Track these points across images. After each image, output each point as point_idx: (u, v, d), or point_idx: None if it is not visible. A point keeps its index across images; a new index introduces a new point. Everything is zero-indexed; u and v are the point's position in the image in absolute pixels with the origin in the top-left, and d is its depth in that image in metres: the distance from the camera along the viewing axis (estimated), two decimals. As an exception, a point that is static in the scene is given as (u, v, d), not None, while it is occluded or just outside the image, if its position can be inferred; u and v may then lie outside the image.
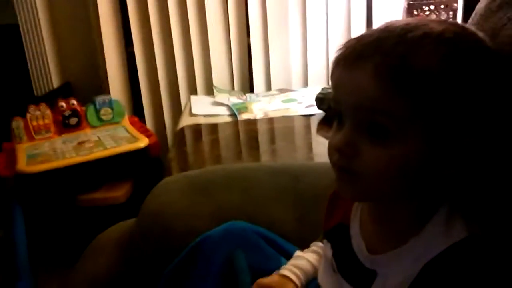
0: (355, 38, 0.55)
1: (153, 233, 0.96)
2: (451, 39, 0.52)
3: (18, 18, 2.09)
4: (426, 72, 0.50)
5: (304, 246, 0.85)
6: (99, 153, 1.78)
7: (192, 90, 2.15)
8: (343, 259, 0.68)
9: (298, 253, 0.82)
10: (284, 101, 1.90)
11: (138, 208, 1.09)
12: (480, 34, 0.55)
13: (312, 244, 0.84)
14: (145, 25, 2.08)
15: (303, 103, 1.84)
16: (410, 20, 0.55)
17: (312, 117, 1.71)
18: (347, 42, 0.56)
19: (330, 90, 1.60)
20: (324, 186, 0.96)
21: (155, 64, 2.11)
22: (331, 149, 0.58)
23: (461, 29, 0.55)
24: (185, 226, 0.94)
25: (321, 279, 0.74)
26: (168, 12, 2.04)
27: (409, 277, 0.57)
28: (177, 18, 2.06)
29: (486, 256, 0.53)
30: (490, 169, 0.59)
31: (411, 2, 1.65)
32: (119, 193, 1.83)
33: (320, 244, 0.83)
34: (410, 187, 0.56)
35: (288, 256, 0.83)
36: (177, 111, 2.16)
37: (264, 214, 0.95)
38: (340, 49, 0.56)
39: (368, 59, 0.52)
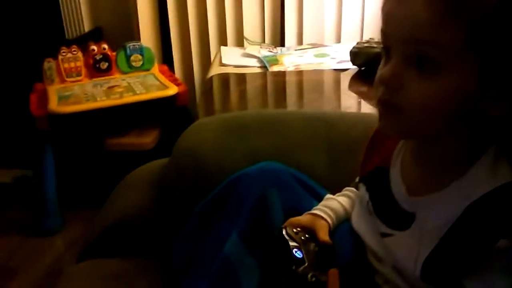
0: None
1: (186, 170, 0.98)
2: None
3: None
4: (482, 1, 0.48)
5: (335, 191, 0.85)
6: (128, 98, 1.79)
7: (223, 41, 2.13)
8: (380, 202, 0.68)
9: (329, 196, 0.83)
10: (316, 56, 1.87)
11: (164, 155, 1.10)
12: None
13: (344, 189, 0.84)
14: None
15: (336, 58, 1.81)
16: None
17: (343, 72, 1.68)
18: None
19: (365, 45, 1.57)
20: (357, 135, 0.96)
21: (187, 13, 2.08)
22: (377, 83, 0.57)
23: None
24: (218, 165, 0.95)
25: (356, 221, 0.74)
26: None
27: (450, 219, 0.57)
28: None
29: None
30: None
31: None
32: (147, 139, 1.85)
33: (353, 189, 0.83)
34: (455, 124, 0.55)
35: (320, 199, 0.84)
36: (206, 61, 2.14)
37: (297, 159, 0.95)
38: None
39: None
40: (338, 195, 0.83)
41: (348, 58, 1.64)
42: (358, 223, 0.74)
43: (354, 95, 1.52)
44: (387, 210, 0.67)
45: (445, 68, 0.51)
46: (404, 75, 0.53)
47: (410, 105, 0.54)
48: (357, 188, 0.79)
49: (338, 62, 1.75)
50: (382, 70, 0.56)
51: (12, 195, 2.09)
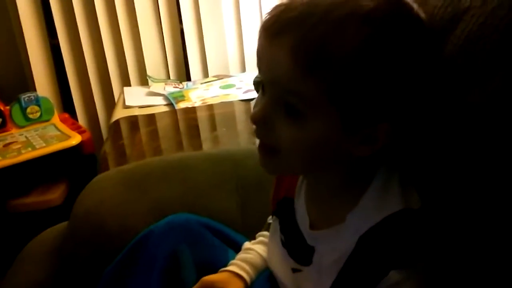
0: (283, 4, 0.52)
1: (86, 234, 0.90)
2: (379, 19, 0.49)
3: None
4: (343, 55, 0.48)
5: (249, 233, 0.82)
6: (28, 155, 1.66)
7: (125, 82, 2.06)
8: (289, 235, 0.67)
9: (246, 245, 0.80)
10: (222, 87, 1.85)
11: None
12: (415, 7, 0.53)
13: (258, 235, 0.82)
14: (69, 14, 1.95)
15: (242, 88, 1.80)
16: None
17: (251, 102, 1.67)
18: (275, 8, 0.52)
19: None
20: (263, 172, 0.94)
21: (83, 56, 1.99)
22: (251, 120, 0.56)
23: (396, 4, 0.52)
24: (121, 225, 0.88)
25: (270, 258, 0.72)
26: (94, 2, 1.92)
27: (345, 253, 0.56)
28: (103, 6, 1.95)
29: (418, 229, 0.53)
30: (416, 143, 0.58)
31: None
32: (54, 195, 1.72)
33: (266, 233, 0.80)
34: (329, 163, 0.56)
35: (236, 246, 0.80)
36: (110, 104, 2.05)
37: (206, 204, 0.91)
38: (267, 15, 0.53)
39: (288, 35, 0.49)
40: (254, 243, 0.80)
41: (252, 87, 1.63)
42: (273, 261, 0.72)
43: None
44: (294, 244, 0.65)
45: (309, 118, 0.51)
46: (274, 117, 0.53)
47: (281, 146, 0.54)
48: (268, 229, 0.77)
49: (244, 92, 1.74)
50: (255, 108, 0.56)
51: None
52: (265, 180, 0.83)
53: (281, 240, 0.68)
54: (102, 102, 2.07)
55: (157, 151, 1.51)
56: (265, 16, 0.54)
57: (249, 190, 0.93)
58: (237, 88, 1.80)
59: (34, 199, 1.70)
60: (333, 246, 0.58)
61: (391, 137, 0.53)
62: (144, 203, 0.91)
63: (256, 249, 0.78)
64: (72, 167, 1.79)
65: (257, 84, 1.59)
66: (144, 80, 2.05)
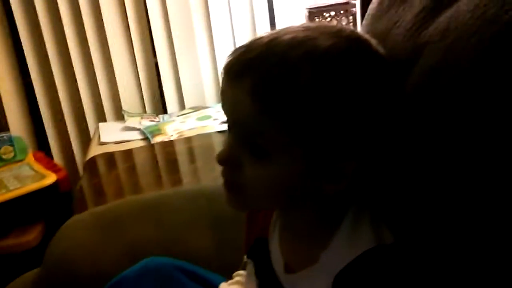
0: (244, 46, 0.53)
1: (59, 281, 0.87)
2: (334, 57, 0.49)
3: None
4: (299, 94, 0.48)
5: (226, 272, 0.80)
6: (1, 197, 1.62)
7: (101, 117, 2.04)
8: (264, 277, 0.65)
9: (223, 286, 0.78)
10: (199, 119, 1.84)
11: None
12: (373, 42, 0.53)
13: (235, 274, 0.80)
14: (41, 52, 1.94)
15: (218, 119, 1.80)
16: (301, 30, 0.52)
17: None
18: (236, 50, 0.53)
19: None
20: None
21: (57, 93, 1.97)
22: (217, 160, 0.56)
23: (354, 42, 0.52)
24: (94, 269, 0.86)
25: None
26: (65, 36, 1.92)
27: None
28: (75, 42, 1.95)
29: (394, 264, 0.52)
30: (383, 177, 0.58)
31: (312, 10, 1.67)
32: (30, 236, 1.67)
33: (243, 272, 0.79)
34: (297, 200, 0.56)
35: (213, 288, 0.78)
36: (86, 141, 2.03)
37: (182, 244, 0.90)
38: (229, 56, 0.53)
39: (247, 76, 0.50)
40: (231, 283, 0.78)
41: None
42: None
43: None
44: (270, 286, 0.63)
45: (272, 156, 0.51)
46: (240, 156, 0.53)
47: (247, 184, 0.54)
48: (245, 268, 0.75)
49: (221, 123, 1.74)
50: (220, 150, 0.56)
51: None
52: (241, 217, 0.82)
53: (257, 284, 0.66)
54: (77, 138, 2.05)
55: (136, 187, 1.49)
56: (227, 57, 0.54)
57: (225, 227, 0.91)
58: (213, 119, 1.80)
59: (10, 242, 1.65)
60: None
61: (358, 175, 0.52)
62: (118, 246, 0.89)
63: None
64: (48, 206, 1.75)
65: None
66: (119, 115, 2.03)
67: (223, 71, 0.54)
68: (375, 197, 0.57)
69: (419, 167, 0.53)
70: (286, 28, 0.54)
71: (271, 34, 0.52)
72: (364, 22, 0.69)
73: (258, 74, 0.49)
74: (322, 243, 0.56)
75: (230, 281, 0.78)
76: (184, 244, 0.89)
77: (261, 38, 0.53)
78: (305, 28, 0.53)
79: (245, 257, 0.77)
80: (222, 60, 1.96)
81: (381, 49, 0.53)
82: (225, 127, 1.72)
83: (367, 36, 0.54)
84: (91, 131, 2.01)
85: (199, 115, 1.88)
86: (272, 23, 1.95)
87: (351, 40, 0.52)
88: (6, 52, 1.94)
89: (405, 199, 0.56)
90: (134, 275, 0.77)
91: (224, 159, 0.54)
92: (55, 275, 0.88)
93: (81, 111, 2.01)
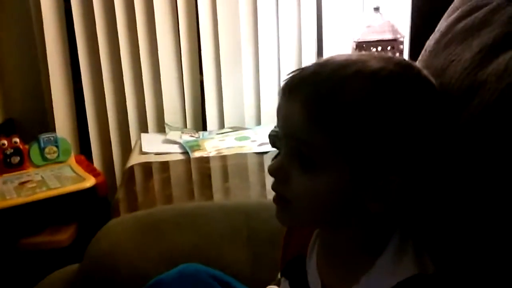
0: (299, 69, 0.57)
1: (98, 278, 0.91)
2: (384, 77, 0.52)
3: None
4: (347, 109, 0.51)
5: (259, 287, 0.82)
6: (41, 194, 1.68)
7: (143, 128, 2.10)
8: None
9: (254, 299, 0.79)
10: (238, 139, 1.88)
11: (82, 252, 1.03)
12: (425, 72, 0.56)
13: (267, 288, 0.81)
14: (95, 62, 2.03)
15: (256, 141, 1.83)
16: (353, 55, 0.58)
17: (265, 155, 1.70)
18: (291, 72, 0.57)
19: (283, 128, 1.60)
20: (277, 224, 0.94)
21: (104, 101, 2.05)
22: (268, 172, 0.59)
23: (404, 67, 0.55)
24: (133, 270, 0.89)
25: None
26: (119, 48, 2.00)
27: None
28: (128, 55, 2.03)
29: None
30: (428, 204, 0.59)
31: (359, 43, 1.70)
32: (64, 236, 1.73)
33: (275, 287, 0.80)
34: (344, 216, 0.57)
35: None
36: (126, 149, 2.09)
37: (217, 255, 0.92)
38: (285, 79, 0.57)
39: (301, 91, 0.54)
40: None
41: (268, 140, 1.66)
42: None
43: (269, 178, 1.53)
44: None
45: (321, 167, 0.54)
46: (289, 169, 0.56)
47: (295, 197, 0.56)
48: (279, 284, 0.77)
49: (258, 145, 1.77)
50: (272, 161, 0.59)
51: None
52: (277, 234, 0.84)
53: None
54: (118, 146, 2.11)
55: (169, 199, 1.53)
56: (284, 80, 0.58)
57: (261, 243, 0.94)
58: (251, 141, 1.84)
59: (44, 239, 1.71)
60: None
61: (402, 195, 0.54)
62: (157, 250, 0.92)
63: None
64: (83, 209, 1.80)
65: (272, 138, 1.62)
66: (161, 127, 2.09)
67: (280, 91, 0.58)
68: (418, 225, 0.59)
69: (466, 197, 0.55)
70: (336, 55, 0.58)
71: (326, 58, 0.57)
72: (420, 57, 0.72)
73: (310, 87, 0.53)
74: (363, 266, 0.57)
75: (261, 294, 0.80)
76: (220, 256, 0.91)
77: (314, 62, 0.57)
78: (358, 54, 0.58)
79: (279, 274, 0.79)
80: (265, 86, 2.03)
81: (430, 78, 0.56)
82: (263, 149, 1.75)
83: (417, 64, 0.57)
84: (132, 140, 2.08)
85: (238, 135, 1.92)
86: (319, 54, 1.99)
87: (402, 64, 0.56)
88: (62, 58, 2.03)
89: (450, 229, 0.57)
90: (171, 279, 0.79)
91: (275, 170, 0.57)
92: (94, 272, 0.91)
93: (125, 120, 2.08)
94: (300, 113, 0.53)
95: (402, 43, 1.70)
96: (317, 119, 0.52)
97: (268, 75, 2.07)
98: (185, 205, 1.22)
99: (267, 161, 1.65)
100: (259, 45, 2.05)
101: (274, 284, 0.80)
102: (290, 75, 0.57)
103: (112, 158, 2.11)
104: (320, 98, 0.52)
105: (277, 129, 1.67)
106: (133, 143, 2.06)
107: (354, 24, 1.80)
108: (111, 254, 0.92)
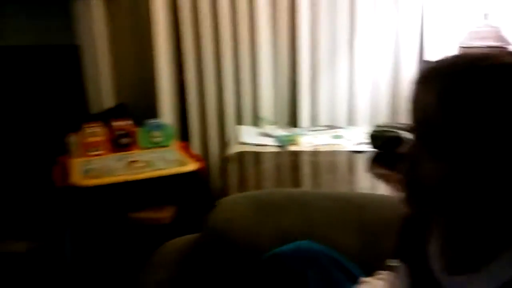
0: (436, 60, 0.60)
1: (217, 248, 0.99)
2: None
3: (79, 40, 2.20)
4: (483, 100, 0.53)
5: (369, 271, 0.86)
6: (148, 173, 1.82)
7: (239, 121, 2.21)
8: (419, 278, 0.70)
9: (364, 280, 0.84)
10: (333, 137, 1.93)
11: (179, 230, 1.15)
12: None
13: (376, 273, 0.85)
14: (198, 56, 2.16)
15: (351, 140, 1.87)
16: (488, 51, 0.59)
17: (360, 154, 1.73)
18: (426, 62, 0.61)
19: (384, 128, 1.63)
20: (387, 217, 0.99)
21: (205, 94, 2.18)
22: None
23: None
24: (249, 243, 0.97)
25: None
26: (221, 46, 2.12)
27: None
28: (229, 52, 2.14)
29: None
30: None
31: (465, 48, 1.69)
32: (164, 214, 1.86)
33: (385, 273, 0.84)
34: (469, 206, 0.58)
35: (355, 280, 0.84)
36: (221, 139, 2.21)
37: (327, 239, 0.97)
38: (421, 68, 0.62)
39: (436, 80, 0.57)
40: (373, 279, 0.84)
41: (363, 140, 1.70)
42: None
43: (368, 176, 1.56)
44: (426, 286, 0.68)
45: (450, 154, 0.55)
46: (420, 155, 0.58)
47: (422, 182, 0.58)
48: (390, 270, 0.80)
49: (355, 144, 1.81)
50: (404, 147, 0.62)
51: (27, 265, 2.08)
52: (387, 227, 0.88)
53: (408, 284, 0.71)
54: (214, 136, 2.23)
55: (268, 185, 1.60)
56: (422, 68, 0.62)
57: (372, 233, 0.98)
58: (347, 140, 1.88)
59: (148, 215, 1.85)
60: None
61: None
62: (270, 227, 1.00)
63: (374, 284, 0.81)
64: (184, 191, 1.93)
65: (374, 138, 1.65)
66: (255, 120, 2.18)
67: (415, 80, 0.61)
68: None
69: None
70: (471, 50, 0.61)
71: (460, 52, 0.60)
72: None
73: (447, 78, 0.56)
74: (487, 257, 0.59)
75: (371, 278, 0.84)
76: (330, 240, 0.96)
77: (453, 54, 0.60)
78: (492, 50, 0.60)
79: (387, 261, 0.83)
80: (359, 87, 2.06)
81: None
82: (359, 148, 1.77)
83: None
84: (229, 131, 2.19)
85: (333, 133, 1.97)
86: (421, 58, 1.99)
87: None
88: (169, 53, 2.17)
89: None
90: (287, 253, 0.85)
91: (406, 154, 0.60)
92: (214, 241, 1.00)
93: (221, 113, 2.20)
94: (434, 102, 0.56)
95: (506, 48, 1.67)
96: (453, 108, 0.54)
97: (362, 77, 2.10)
98: (294, 190, 1.28)
99: (360, 161, 1.69)
100: (355, 46, 2.08)
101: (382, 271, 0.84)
102: (426, 65, 0.60)
103: (207, 147, 2.23)
104: (457, 90, 0.55)
105: (378, 129, 1.69)
106: (229, 134, 2.17)
107: (459, 29, 1.79)
108: (228, 228, 1.00)
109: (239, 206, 1.06)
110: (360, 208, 1.02)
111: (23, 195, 2.21)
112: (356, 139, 1.86)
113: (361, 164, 1.66)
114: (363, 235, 0.98)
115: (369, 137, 1.66)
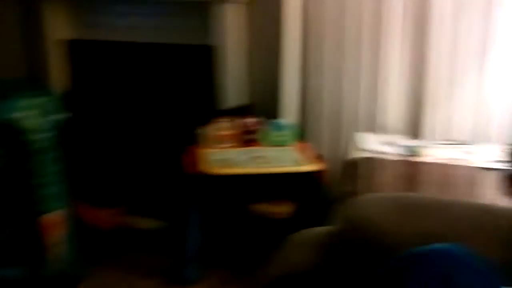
0: None
1: (354, 241, 1.02)
2: None
3: (214, 41, 2.34)
4: None
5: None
6: (272, 169, 1.90)
7: (356, 128, 2.22)
8: None
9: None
10: (463, 152, 1.88)
11: (296, 226, 1.22)
12: None
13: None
14: (319, 63, 2.22)
15: (483, 156, 1.80)
16: None
17: (492, 171, 1.67)
18: None
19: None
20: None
21: (324, 99, 2.24)
22: None
23: None
24: (387, 240, 0.99)
25: None
26: (343, 54, 2.17)
27: None
28: (351, 58, 2.18)
29: None
30: None
31: None
32: (284, 209, 1.93)
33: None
34: None
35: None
36: (336, 145, 2.26)
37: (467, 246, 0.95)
38: None
39: None
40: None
41: (495, 157, 1.63)
42: None
43: (502, 194, 1.50)
44: None
45: None
46: None
47: None
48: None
49: (488, 161, 1.75)
50: None
51: (154, 241, 2.28)
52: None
53: None
54: (330, 141, 2.28)
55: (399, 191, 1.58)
56: None
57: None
58: (477, 156, 1.81)
59: (267, 209, 1.94)
60: None
61: None
62: (411, 228, 1.00)
63: None
64: (303, 189, 1.99)
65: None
66: (372, 128, 2.19)
67: None
68: None
69: None
70: None
71: None
72: None
73: None
74: None
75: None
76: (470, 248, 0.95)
77: None
78: None
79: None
80: (489, 103, 1.97)
81: None
82: (491, 165, 1.69)
83: None
84: (341, 138, 2.23)
85: (462, 148, 1.91)
86: None
87: None
88: (296, 60, 2.26)
89: None
90: (422, 253, 0.85)
91: None
92: (352, 234, 1.03)
93: (338, 119, 2.25)
94: None
95: None
96: None
97: (494, 94, 2.01)
98: (432, 197, 1.27)
99: (495, 177, 1.62)
100: (488, 61, 2.00)
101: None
102: None
103: (323, 150, 2.27)
104: None
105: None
106: (344, 141, 2.19)
107: None
108: (368, 224, 1.02)
109: (378, 205, 1.07)
110: (498, 219, 0.99)
111: (156, 178, 2.40)
112: (486, 155, 1.79)
113: (494, 181, 1.60)
114: (506, 248, 0.95)
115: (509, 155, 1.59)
